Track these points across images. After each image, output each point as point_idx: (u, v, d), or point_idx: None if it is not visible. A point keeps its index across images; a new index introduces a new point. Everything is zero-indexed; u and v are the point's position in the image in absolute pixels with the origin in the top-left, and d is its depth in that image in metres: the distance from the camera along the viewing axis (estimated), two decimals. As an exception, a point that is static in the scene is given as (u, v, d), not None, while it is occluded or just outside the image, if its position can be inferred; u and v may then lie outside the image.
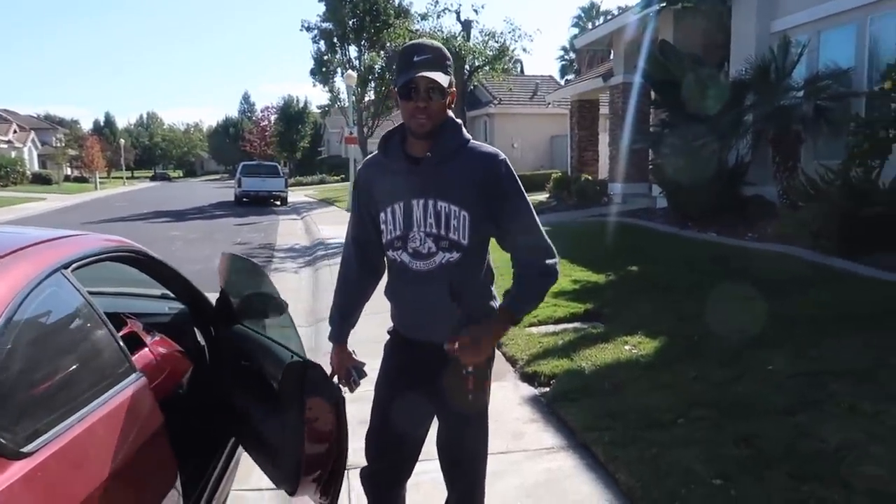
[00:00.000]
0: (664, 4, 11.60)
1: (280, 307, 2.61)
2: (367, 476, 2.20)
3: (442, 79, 1.85)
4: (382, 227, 2.01)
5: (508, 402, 4.12)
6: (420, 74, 1.82)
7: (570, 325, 5.62)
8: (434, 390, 2.03)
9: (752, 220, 9.36)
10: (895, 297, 5.49)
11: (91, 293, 3.00)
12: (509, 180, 1.94)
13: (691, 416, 3.51)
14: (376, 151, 2.07)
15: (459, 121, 2.00)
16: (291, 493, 2.21)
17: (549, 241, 1.98)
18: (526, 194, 1.97)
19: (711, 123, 9.66)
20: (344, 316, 2.21)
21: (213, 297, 3.00)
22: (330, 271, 8.79)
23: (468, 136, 1.98)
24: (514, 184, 1.95)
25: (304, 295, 8.04)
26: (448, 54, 1.96)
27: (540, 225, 1.98)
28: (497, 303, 2.07)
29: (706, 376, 4.08)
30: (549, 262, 1.96)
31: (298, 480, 2.15)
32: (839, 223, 6.82)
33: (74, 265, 1.88)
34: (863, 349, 4.33)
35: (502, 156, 1.96)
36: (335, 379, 2.22)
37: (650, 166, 12.60)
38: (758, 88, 9.08)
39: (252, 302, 2.78)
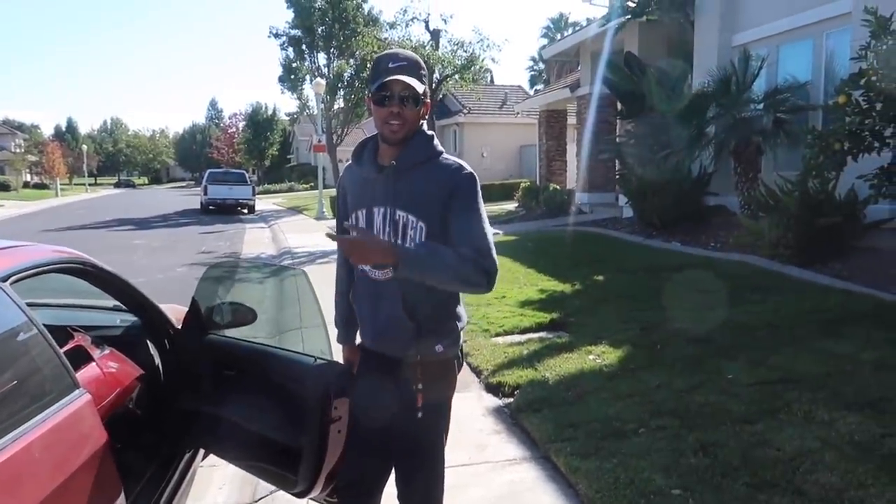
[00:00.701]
0: (629, 17, 11.77)
1: (253, 315, 2.68)
2: (341, 488, 2.18)
3: (417, 85, 1.85)
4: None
5: (472, 412, 4.10)
6: (394, 77, 1.83)
7: (536, 335, 5.63)
8: (392, 406, 2.00)
9: (715, 229, 9.53)
10: (849, 304, 5.63)
11: (40, 305, 2.92)
12: (468, 192, 1.89)
13: (652, 426, 3.53)
14: (349, 159, 2.08)
15: (432, 132, 1.99)
16: (305, 493, 2.23)
17: (494, 256, 1.86)
18: (484, 211, 1.91)
19: (675, 134, 9.82)
20: (345, 319, 2.25)
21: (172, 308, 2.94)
22: (295, 281, 8.68)
23: (441, 149, 1.96)
24: (472, 196, 1.89)
25: (268, 305, 7.92)
26: (423, 64, 1.96)
27: (490, 241, 1.87)
28: (462, 324, 2.03)
29: (668, 385, 4.11)
30: (484, 265, 1.82)
31: (316, 480, 2.17)
32: (796, 233, 6.97)
33: (13, 277, 1.81)
34: (819, 356, 4.42)
35: (468, 169, 1.91)
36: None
37: (617, 176, 12.76)
38: (719, 100, 9.26)
39: (223, 311, 2.74)
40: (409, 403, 1.94)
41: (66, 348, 2.25)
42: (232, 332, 2.75)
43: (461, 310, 2.05)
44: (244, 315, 2.78)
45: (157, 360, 2.86)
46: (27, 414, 1.61)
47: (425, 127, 1.97)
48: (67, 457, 1.67)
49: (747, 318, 5.47)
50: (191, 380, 2.72)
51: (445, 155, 1.96)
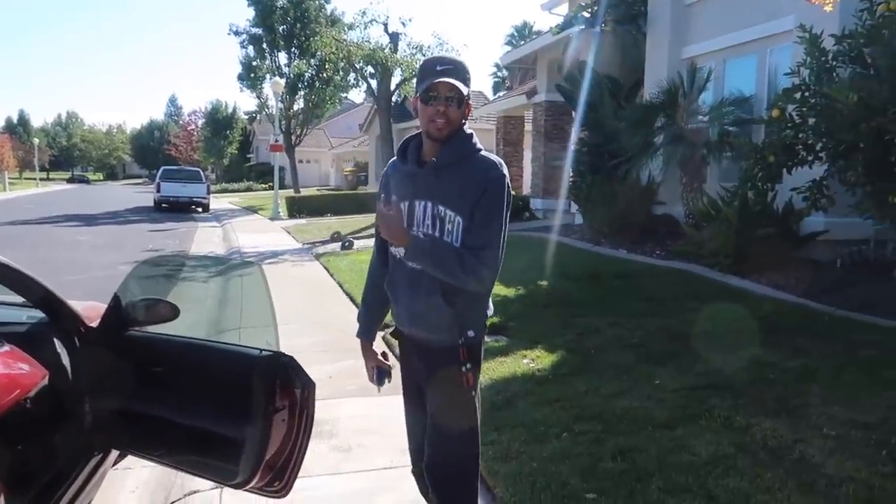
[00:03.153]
0: (584, 27, 11.92)
1: (174, 311, 2.65)
2: (415, 476, 2.35)
3: (462, 87, 2.00)
4: None
5: (401, 416, 4.07)
6: (441, 80, 1.97)
7: (475, 339, 5.62)
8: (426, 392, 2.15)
9: (661, 238, 9.70)
10: (781, 314, 5.78)
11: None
12: (496, 194, 2.00)
13: (575, 430, 3.56)
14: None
15: (471, 131, 2.09)
16: (245, 484, 2.23)
17: (495, 262, 2.02)
18: (504, 216, 2.03)
19: (625, 144, 9.98)
20: (370, 310, 2.33)
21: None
22: (241, 282, 8.53)
23: (479, 146, 2.08)
24: (498, 199, 2.01)
25: (210, 305, 7.77)
26: (468, 68, 2.07)
27: (497, 247, 2.02)
28: (490, 312, 2.18)
29: (596, 390, 4.15)
30: (478, 270, 1.99)
31: (258, 471, 2.18)
32: (735, 243, 7.14)
33: None
34: (746, 364, 4.52)
35: (500, 170, 2.02)
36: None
37: (569, 183, 12.90)
38: (667, 112, 9.44)
39: (139, 308, 2.67)
40: (458, 383, 2.05)
41: (-48, 345, 2.15)
42: (167, 329, 2.70)
43: (489, 300, 2.19)
44: (163, 311, 2.71)
45: (66, 359, 2.76)
46: None
47: (466, 127, 2.07)
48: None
49: (682, 325, 5.57)
50: (106, 378, 2.64)
51: (483, 152, 2.07)
